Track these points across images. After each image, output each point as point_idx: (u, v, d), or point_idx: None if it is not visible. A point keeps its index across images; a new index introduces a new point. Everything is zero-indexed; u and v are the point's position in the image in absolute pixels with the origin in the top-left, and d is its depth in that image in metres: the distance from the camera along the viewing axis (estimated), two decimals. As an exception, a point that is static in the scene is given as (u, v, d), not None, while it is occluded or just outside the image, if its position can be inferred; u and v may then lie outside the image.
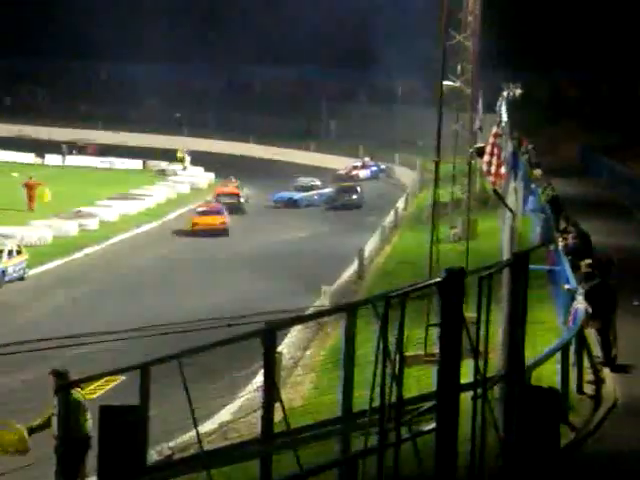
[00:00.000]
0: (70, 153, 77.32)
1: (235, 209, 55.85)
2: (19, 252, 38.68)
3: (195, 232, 49.80)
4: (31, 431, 14.64)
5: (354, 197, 59.91)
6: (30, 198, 54.30)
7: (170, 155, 77.72)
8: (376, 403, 8.74)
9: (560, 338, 16.19)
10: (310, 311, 24.37)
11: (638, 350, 17.38)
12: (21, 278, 38.14)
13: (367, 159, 74.91)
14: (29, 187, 54.94)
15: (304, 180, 64.78)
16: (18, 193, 54.61)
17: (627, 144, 54.70)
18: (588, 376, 15.88)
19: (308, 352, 25.75)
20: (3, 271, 37.11)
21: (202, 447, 12.06)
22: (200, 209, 53.08)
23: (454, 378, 8.59)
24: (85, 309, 32.86)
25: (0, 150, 76.67)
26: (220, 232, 49.58)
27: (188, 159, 74.39)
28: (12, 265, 37.77)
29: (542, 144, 57.81)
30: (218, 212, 52.12)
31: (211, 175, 72.33)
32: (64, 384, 13.66)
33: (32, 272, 39.19)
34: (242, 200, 58.00)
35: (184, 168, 73.83)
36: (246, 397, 20.60)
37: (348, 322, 10.99)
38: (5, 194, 55.73)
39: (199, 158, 75.80)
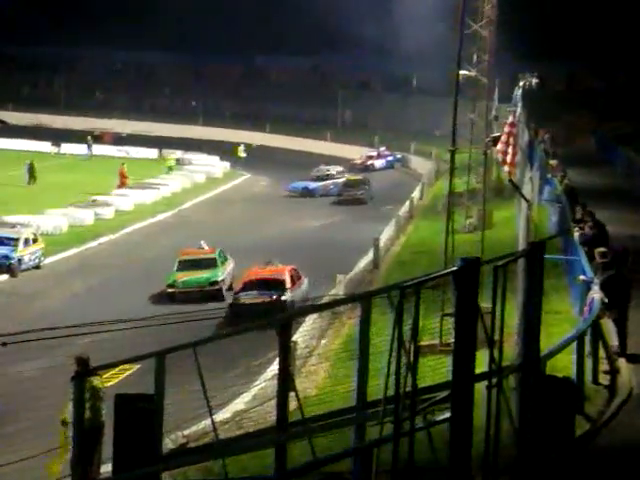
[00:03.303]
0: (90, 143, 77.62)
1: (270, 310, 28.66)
2: (35, 240, 38.85)
3: None
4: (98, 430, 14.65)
5: (359, 192, 57.68)
6: (120, 183, 59.33)
7: (186, 143, 77.95)
8: (391, 392, 8.74)
9: (576, 328, 16.13)
10: (325, 300, 24.40)
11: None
12: (37, 267, 38.31)
13: (382, 148, 74.80)
14: (119, 174, 60.03)
15: (324, 169, 64.45)
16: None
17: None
18: (603, 366, 15.82)
19: (323, 341, 25.76)
20: (19, 259, 37.27)
21: (217, 436, 12.09)
22: None
23: (469, 368, 8.58)
24: (100, 298, 32.96)
25: (17, 139, 76.90)
26: None
27: (243, 154, 74.63)
28: (28, 253, 37.91)
29: (558, 134, 57.60)
30: None
31: (226, 164, 72.37)
32: (81, 371, 13.72)
33: (48, 261, 39.35)
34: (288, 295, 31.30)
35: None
36: (261, 386, 20.63)
37: (363, 311, 11.00)
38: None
39: (214, 147, 75.92)
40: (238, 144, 75.46)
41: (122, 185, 59.59)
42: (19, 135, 77.84)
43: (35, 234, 39.71)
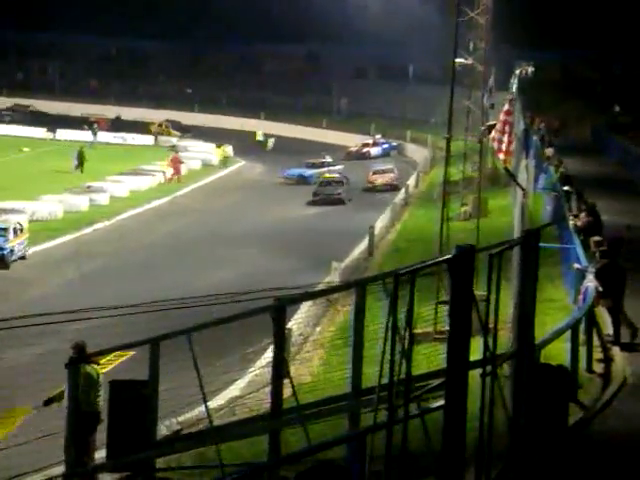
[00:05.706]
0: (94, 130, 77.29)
1: None
2: (21, 230, 37.66)
3: None
4: (48, 401, 14.66)
5: (338, 191, 53.18)
6: (175, 171, 58.92)
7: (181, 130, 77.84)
8: (385, 379, 8.74)
9: (570, 317, 16.15)
10: (320, 287, 24.39)
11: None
12: (23, 257, 37.10)
13: (378, 136, 74.76)
14: (174, 161, 59.65)
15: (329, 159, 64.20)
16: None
17: (639, 123, 54.41)
18: (598, 355, 15.85)
19: (318, 329, 25.76)
20: (11, 250, 36.22)
21: (211, 422, 12.10)
22: None
23: (463, 355, 8.58)
24: (95, 284, 32.87)
25: (12, 125, 76.70)
26: None
27: (262, 138, 74.93)
28: (17, 244, 36.89)
29: (554, 122, 57.63)
30: None
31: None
32: (76, 357, 13.71)
33: (43, 246, 39.19)
34: None
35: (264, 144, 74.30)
36: (255, 373, 20.63)
37: (358, 299, 11.00)
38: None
39: (210, 134, 75.82)
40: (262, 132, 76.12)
41: (176, 173, 58.67)
42: (14, 121, 77.62)
43: (20, 224, 38.30)
